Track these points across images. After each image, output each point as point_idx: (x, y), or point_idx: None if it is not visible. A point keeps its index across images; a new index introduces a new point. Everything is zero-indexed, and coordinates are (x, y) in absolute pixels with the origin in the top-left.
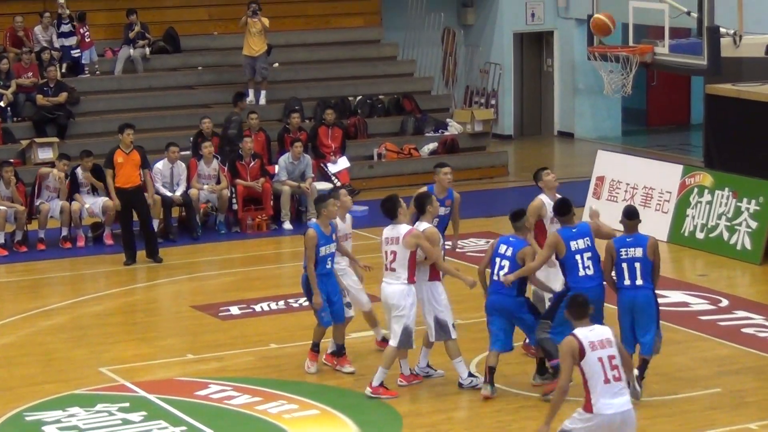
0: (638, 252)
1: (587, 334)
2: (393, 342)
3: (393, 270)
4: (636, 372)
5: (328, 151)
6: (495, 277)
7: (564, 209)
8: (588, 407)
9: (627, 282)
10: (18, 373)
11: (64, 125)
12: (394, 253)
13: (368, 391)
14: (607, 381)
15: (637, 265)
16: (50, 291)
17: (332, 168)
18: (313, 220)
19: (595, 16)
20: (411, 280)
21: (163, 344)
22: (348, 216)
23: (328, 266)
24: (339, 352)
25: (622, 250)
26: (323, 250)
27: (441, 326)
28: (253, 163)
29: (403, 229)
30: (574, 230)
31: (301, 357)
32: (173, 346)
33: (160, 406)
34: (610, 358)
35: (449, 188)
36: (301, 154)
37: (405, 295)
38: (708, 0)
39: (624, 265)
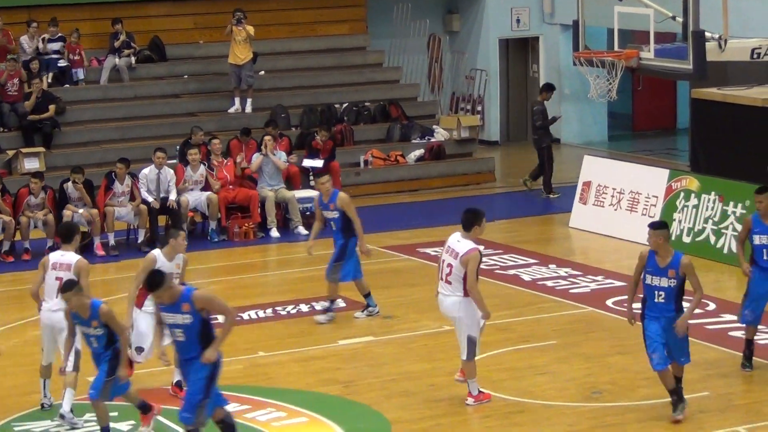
0: None
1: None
2: (462, 355)
3: (449, 282)
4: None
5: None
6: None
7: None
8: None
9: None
10: (7, 384)
11: (49, 133)
12: (450, 266)
13: (470, 401)
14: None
15: None
16: None
17: (308, 162)
18: (158, 249)
19: None
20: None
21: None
22: (180, 256)
23: None
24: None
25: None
26: None
27: (473, 344)
28: (226, 162)
29: (466, 245)
30: None
31: (290, 365)
32: None
33: None
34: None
35: (333, 191)
36: (273, 148)
37: (463, 307)
38: (693, 4)
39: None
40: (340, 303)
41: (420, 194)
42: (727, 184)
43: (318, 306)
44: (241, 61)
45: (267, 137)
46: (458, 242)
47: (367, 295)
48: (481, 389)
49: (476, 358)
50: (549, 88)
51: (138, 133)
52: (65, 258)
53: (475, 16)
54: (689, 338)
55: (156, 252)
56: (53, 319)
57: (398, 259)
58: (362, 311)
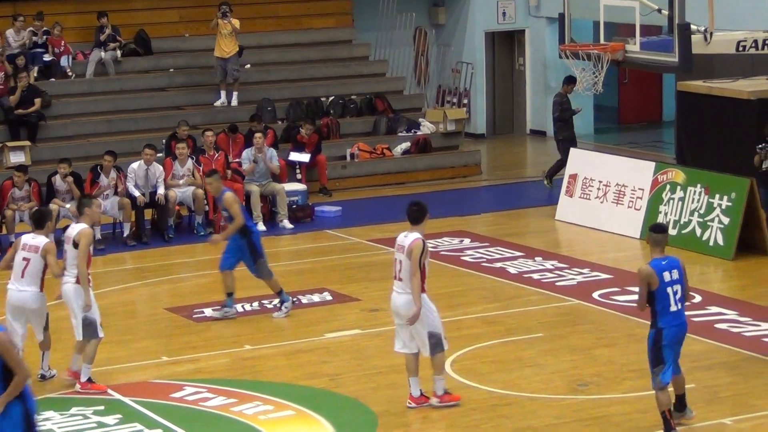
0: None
1: None
2: (425, 352)
3: (401, 280)
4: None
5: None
6: (675, 308)
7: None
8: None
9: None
10: None
11: (34, 125)
12: (401, 263)
13: (435, 401)
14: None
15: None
16: None
17: (294, 156)
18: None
19: None
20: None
21: (137, 347)
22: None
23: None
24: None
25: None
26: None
27: (435, 339)
28: (217, 155)
29: (412, 237)
30: (664, 262)
31: (276, 358)
32: (148, 348)
33: (135, 408)
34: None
35: (222, 189)
36: (264, 146)
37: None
38: None
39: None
40: (327, 296)
41: (406, 187)
42: (713, 177)
43: (304, 299)
44: (227, 55)
45: (257, 135)
46: (405, 237)
47: (230, 294)
48: (448, 391)
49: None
50: (569, 80)
51: (124, 127)
52: (35, 241)
53: (461, 9)
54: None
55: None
56: (20, 298)
57: (385, 252)
58: (218, 309)
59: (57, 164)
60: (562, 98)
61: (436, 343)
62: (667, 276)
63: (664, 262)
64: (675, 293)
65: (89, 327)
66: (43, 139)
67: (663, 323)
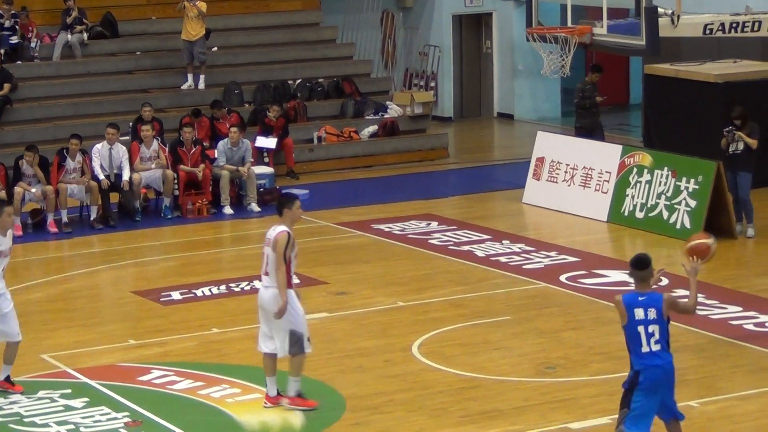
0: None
1: None
2: (281, 352)
3: (267, 274)
4: None
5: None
6: (647, 349)
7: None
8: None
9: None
10: None
11: (0, 109)
12: (267, 256)
13: (285, 403)
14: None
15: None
16: None
17: (261, 141)
18: None
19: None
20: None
21: (104, 330)
22: (9, 232)
23: None
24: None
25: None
26: None
27: (296, 338)
28: (194, 150)
29: (277, 230)
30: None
31: (244, 341)
32: (115, 331)
33: (102, 392)
34: None
35: None
36: (240, 139)
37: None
38: None
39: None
40: (294, 279)
41: (373, 170)
42: (680, 160)
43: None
44: (194, 38)
45: (233, 129)
46: (273, 230)
47: None
48: (303, 395)
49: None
50: (594, 69)
51: (91, 110)
52: None
53: None
54: None
55: None
56: None
57: (352, 235)
58: None
59: (23, 150)
60: (584, 85)
61: (296, 343)
62: (639, 313)
63: (641, 298)
64: (649, 334)
65: None
66: (9, 122)
67: (638, 365)
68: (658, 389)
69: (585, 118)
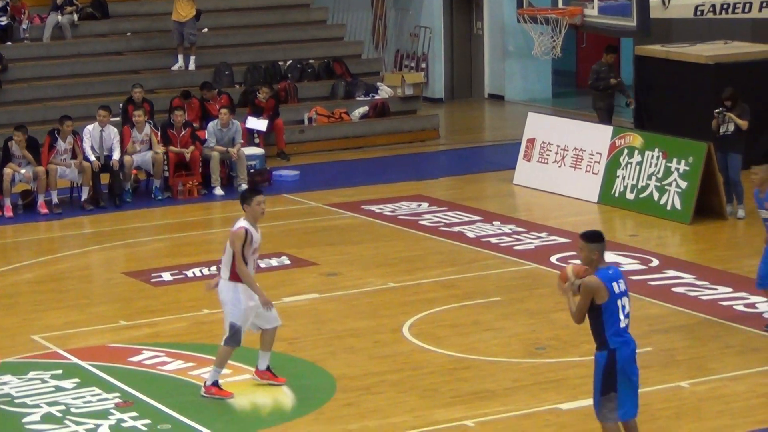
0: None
1: None
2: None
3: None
4: None
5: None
6: (624, 323)
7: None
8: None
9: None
10: None
11: None
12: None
13: (202, 390)
14: None
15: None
16: None
17: (251, 123)
18: None
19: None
20: (233, 277)
21: (95, 311)
22: None
23: None
24: None
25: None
26: None
27: (233, 331)
28: (184, 132)
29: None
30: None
31: None
32: (105, 312)
33: (93, 372)
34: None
35: None
36: (230, 120)
37: (226, 290)
38: None
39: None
40: (285, 260)
41: (364, 151)
42: (671, 141)
43: (262, 263)
44: (184, 18)
45: (223, 111)
46: (235, 223)
47: None
48: (221, 385)
49: (423, 314)
50: (609, 50)
51: (81, 91)
52: None
53: None
54: None
55: None
56: None
57: (342, 216)
58: None
59: (12, 130)
60: (600, 66)
61: (232, 335)
62: (615, 287)
63: (610, 272)
64: (623, 307)
65: None
66: None
67: (614, 343)
68: (633, 363)
69: (602, 99)
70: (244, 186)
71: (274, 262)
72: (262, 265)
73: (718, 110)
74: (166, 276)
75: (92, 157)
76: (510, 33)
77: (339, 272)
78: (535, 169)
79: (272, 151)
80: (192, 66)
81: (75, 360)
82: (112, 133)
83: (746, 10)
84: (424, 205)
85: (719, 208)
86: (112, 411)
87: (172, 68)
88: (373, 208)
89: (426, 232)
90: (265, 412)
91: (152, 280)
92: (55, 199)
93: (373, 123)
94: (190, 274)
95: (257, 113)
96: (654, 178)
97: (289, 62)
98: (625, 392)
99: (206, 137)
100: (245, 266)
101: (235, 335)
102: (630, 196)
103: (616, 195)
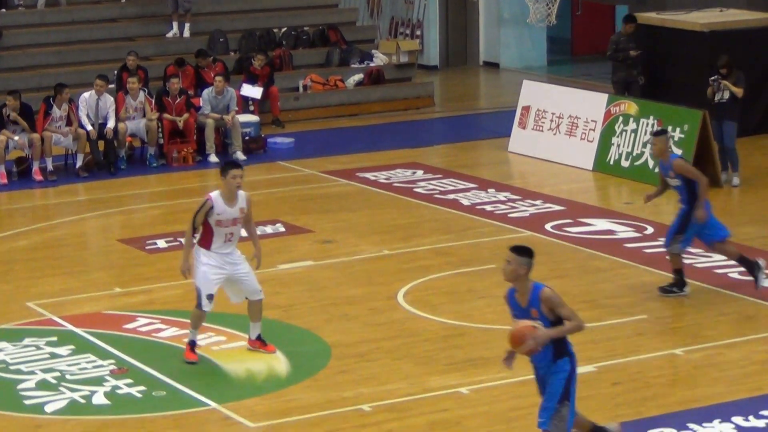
0: None
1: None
2: None
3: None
4: None
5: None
6: None
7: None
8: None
9: None
10: None
11: None
12: None
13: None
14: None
15: None
16: None
17: (246, 91)
18: None
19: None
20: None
21: (90, 278)
22: None
23: None
24: None
25: None
26: None
27: (198, 295)
28: (179, 99)
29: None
30: None
31: None
32: (100, 279)
33: (88, 339)
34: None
35: (669, 153)
36: (225, 87)
37: (194, 255)
38: None
39: None
40: (280, 228)
41: (359, 119)
42: (666, 109)
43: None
44: None
45: (218, 78)
46: None
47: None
48: (194, 348)
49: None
50: (627, 19)
51: (75, 58)
52: None
53: None
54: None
55: None
56: None
57: (338, 183)
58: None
59: (6, 95)
60: (618, 37)
61: (197, 298)
62: None
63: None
64: None
65: None
66: None
67: (570, 349)
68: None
69: (620, 71)
70: (239, 153)
71: (268, 229)
72: (258, 232)
73: (713, 78)
74: (161, 243)
75: (89, 127)
76: (505, 0)
77: (334, 239)
78: (530, 137)
79: (267, 118)
80: (187, 33)
81: (70, 327)
82: (108, 102)
83: None
84: (419, 173)
85: (714, 176)
86: (107, 378)
87: (167, 35)
88: (368, 175)
89: (421, 200)
90: (260, 379)
91: (147, 248)
92: (50, 166)
93: (368, 90)
94: (183, 242)
95: (252, 80)
96: (649, 145)
97: (284, 29)
98: (573, 401)
99: (201, 104)
100: (192, 233)
101: (198, 298)
102: (625, 163)
103: (611, 163)
